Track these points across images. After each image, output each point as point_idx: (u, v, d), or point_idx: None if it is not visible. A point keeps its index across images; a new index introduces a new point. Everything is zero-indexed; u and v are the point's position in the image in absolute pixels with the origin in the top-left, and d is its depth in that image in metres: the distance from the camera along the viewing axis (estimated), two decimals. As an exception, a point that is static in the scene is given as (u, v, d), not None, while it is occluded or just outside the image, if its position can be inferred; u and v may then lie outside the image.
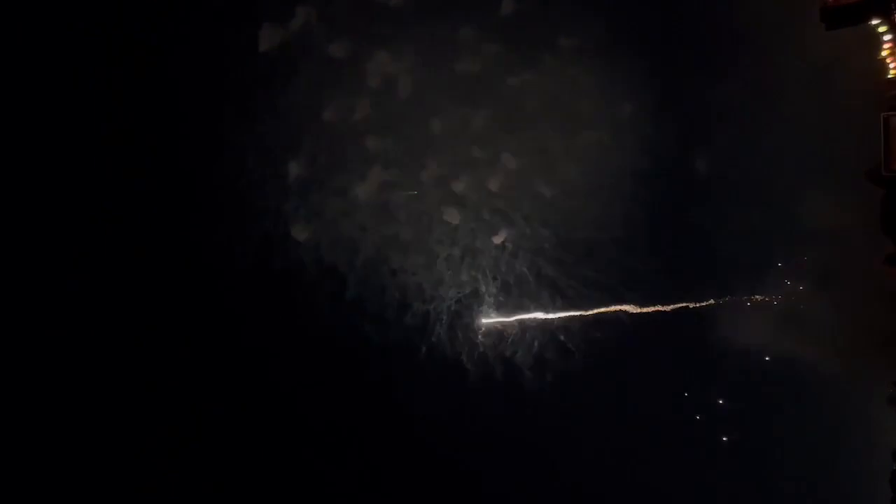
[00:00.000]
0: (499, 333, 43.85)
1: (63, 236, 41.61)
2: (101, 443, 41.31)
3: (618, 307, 44.28)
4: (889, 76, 44.44)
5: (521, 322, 43.88)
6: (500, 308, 43.84)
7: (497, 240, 43.60)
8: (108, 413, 40.97)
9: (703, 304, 46.17)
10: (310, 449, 43.18)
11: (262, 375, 42.95)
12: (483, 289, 43.71)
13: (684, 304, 45.84)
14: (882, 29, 44.19)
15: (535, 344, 43.92)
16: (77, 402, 41.12)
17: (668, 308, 45.41)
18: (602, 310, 44.08)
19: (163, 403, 41.68)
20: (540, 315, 43.86)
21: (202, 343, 42.13)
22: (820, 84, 45.78)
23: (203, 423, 42.22)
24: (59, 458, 40.96)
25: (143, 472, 41.83)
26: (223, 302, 42.32)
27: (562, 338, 43.91)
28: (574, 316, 43.85)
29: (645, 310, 44.79)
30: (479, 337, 43.73)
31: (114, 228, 41.32)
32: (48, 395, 40.73)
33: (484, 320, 43.89)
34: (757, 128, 47.25)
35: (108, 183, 41.00)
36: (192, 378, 42.05)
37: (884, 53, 44.86)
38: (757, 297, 46.75)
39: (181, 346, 41.84)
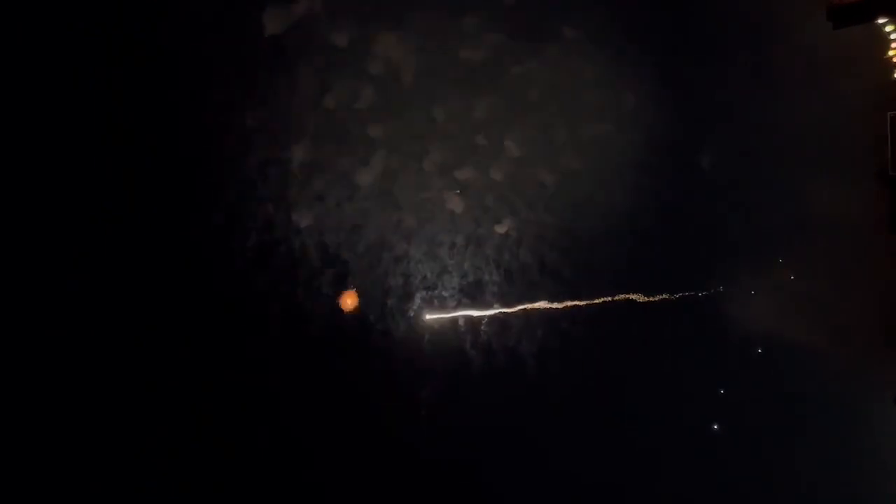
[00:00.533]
0: (502, 323, 43.23)
1: (62, 222, 41.07)
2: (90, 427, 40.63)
3: (623, 296, 43.85)
4: (896, 75, 44.50)
5: (525, 311, 43.29)
6: (504, 297, 43.25)
7: (501, 228, 43.16)
8: (98, 392, 40.30)
9: (707, 298, 45.76)
10: (310, 440, 42.29)
11: (261, 363, 42.27)
12: (486, 277, 43.13)
13: (687, 297, 45.43)
14: (889, 28, 44.20)
15: (539, 333, 43.38)
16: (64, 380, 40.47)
17: (673, 299, 44.99)
18: (607, 299, 43.61)
19: (158, 391, 40.98)
20: (544, 304, 43.29)
21: (200, 329, 41.45)
22: (826, 83, 45.65)
23: (199, 413, 41.43)
24: (58, 456, 39.84)
25: (139, 469, 41.10)
26: (223, 287, 41.80)
27: (566, 327, 43.40)
28: (578, 305, 43.34)
29: (650, 299, 44.40)
30: (483, 326, 43.14)
31: (112, 212, 40.74)
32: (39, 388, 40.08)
33: (487, 309, 43.22)
34: (762, 126, 47.10)
35: (108, 166, 40.48)
36: (189, 366, 41.32)
37: (891, 52, 44.86)
38: (760, 292, 46.34)
39: (178, 333, 41.21)
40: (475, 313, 43.16)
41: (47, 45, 39.82)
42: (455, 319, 43.05)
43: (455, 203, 41.99)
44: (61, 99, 40.45)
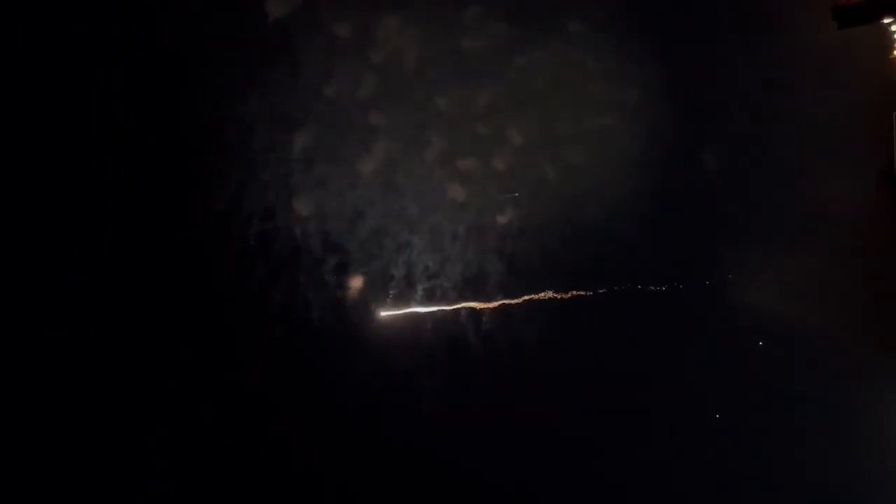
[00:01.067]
0: (505, 313, 42.93)
1: (62, 212, 41.20)
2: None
3: (626, 287, 43.63)
4: (901, 75, 44.36)
5: (528, 302, 43.03)
6: (506, 287, 42.99)
7: (503, 218, 43.02)
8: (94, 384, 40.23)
9: (709, 292, 45.41)
10: (310, 429, 41.98)
11: (261, 354, 42.25)
12: (489, 267, 42.90)
13: (687, 291, 45.12)
14: (895, 28, 44.11)
15: (542, 324, 43.04)
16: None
17: (673, 292, 44.72)
18: (608, 290, 43.35)
19: (157, 378, 40.92)
20: (548, 295, 43.04)
21: (197, 318, 41.47)
22: (831, 82, 45.53)
23: (197, 400, 41.24)
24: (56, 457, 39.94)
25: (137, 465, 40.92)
26: (222, 274, 41.81)
27: (570, 318, 43.03)
28: (582, 295, 43.07)
29: (654, 289, 44.19)
30: (485, 316, 42.93)
31: (113, 195, 40.99)
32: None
33: (489, 299, 42.97)
34: (766, 124, 46.97)
35: (109, 151, 40.79)
36: (187, 353, 41.27)
37: (896, 53, 44.90)
38: (763, 289, 45.92)
39: (176, 322, 41.22)
40: (476, 304, 43.03)
41: (46, 26, 40.23)
42: (457, 309, 42.97)
43: (458, 192, 42.25)
44: (58, 86, 40.65)
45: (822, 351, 44.19)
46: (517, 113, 43.17)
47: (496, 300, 43.06)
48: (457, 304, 43.02)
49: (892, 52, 44.90)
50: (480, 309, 43.07)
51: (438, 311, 43.00)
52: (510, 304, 43.05)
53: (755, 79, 46.70)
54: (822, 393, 44.15)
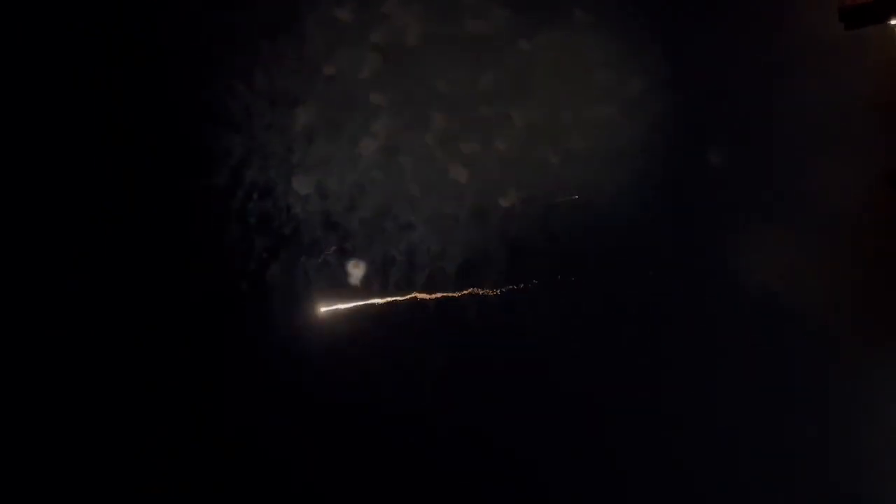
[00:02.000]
0: (508, 298, 42.37)
1: (55, 183, 40.75)
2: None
3: (626, 278, 43.30)
4: (909, 76, 44.37)
5: (531, 288, 42.55)
6: (508, 273, 42.45)
7: (505, 202, 42.55)
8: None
9: (706, 289, 45.03)
10: (307, 420, 41.29)
11: (258, 335, 41.68)
12: (492, 252, 42.42)
13: (687, 286, 44.77)
14: (903, 29, 44.24)
15: (547, 311, 42.44)
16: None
17: (675, 285, 44.42)
18: (613, 280, 43.00)
19: (150, 362, 40.36)
20: (550, 281, 42.61)
21: (194, 298, 41.02)
22: (837, 83, 45.56)
23: (191, 384, 40.61)
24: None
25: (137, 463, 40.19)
26: (220, 256, 41.37)
27: (574, 305, 42.44)
28: (583, 284, 42.65)
29: (655, 281, 43.89)
30: (491, 301, 42.40)
31: (109, 172, 40.57)
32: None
33: (493, 284, 42.48)
34: (769, 125, 46.85)
35: (105, 126, 40.42)
36: (181, 336, 40.74)
37: (904, 54, 44.91)
38: (764, 286, 45.64)
39: (171, 301, 40.78)
40: (480, 290, 42.52)
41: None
42: (458, 296, 42.43)
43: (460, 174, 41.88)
44: (48, 63, 40.09)
45: (824, 350, 43.95)
46: (524, 96, 43.08)
47: (500, 286, 42.59)
48: (460, 288, 42.52)
49: (898, 53, 45.00)
50: (484, 294, 42.56)
51: (442, 296, 42.43)
52: (515, 290, 42.59)
53: (760, 80, 46.69)
54: (822, 392, 43.80)
